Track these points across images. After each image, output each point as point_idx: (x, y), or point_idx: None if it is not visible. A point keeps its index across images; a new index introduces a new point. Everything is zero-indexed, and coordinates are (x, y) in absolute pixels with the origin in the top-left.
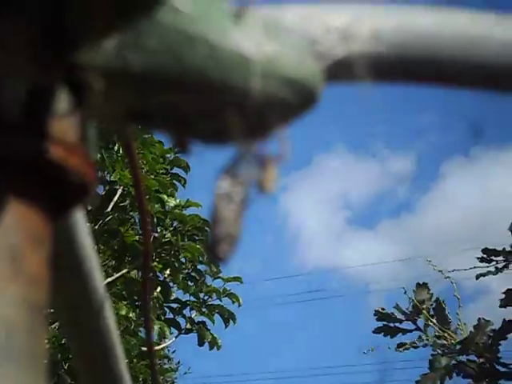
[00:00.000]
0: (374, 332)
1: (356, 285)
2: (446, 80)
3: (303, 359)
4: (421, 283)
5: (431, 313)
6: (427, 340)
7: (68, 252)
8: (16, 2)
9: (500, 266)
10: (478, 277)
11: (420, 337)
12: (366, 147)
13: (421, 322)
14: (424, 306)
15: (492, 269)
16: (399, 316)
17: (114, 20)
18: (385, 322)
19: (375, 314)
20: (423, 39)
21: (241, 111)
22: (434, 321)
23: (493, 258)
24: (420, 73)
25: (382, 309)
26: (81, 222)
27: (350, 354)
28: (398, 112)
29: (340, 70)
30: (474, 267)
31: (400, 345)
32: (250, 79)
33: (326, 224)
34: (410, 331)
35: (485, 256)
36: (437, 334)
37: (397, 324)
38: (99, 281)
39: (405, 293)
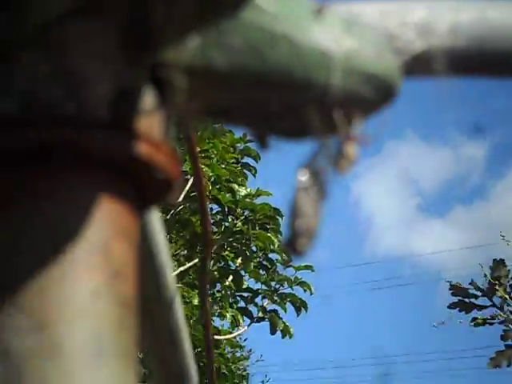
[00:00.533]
0: (448, 307)
1: (428, 272)
2: None
3: (374, 347)
4: (497, 259)
5: (508, 290)
6: (504, 317)
7: (141, 247)
8: (104, 5)
9: None
10: None
11: (496, 314)
12: (438, 134)
13: (497, 299)
14: (501, 282)
15: None
16: (475, 292)
17: (197, 19)
18: (460, 298)
19: (450, 289)
20: (502, 32)
21: (322, 107)
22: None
23: None
24: (500, 66)
25: (459, 284)
26: (155, 218)
27: (420, 343)
28: (471, 97)
29: (419, 65)
30: None
31: (474, 319)
32: (331, 76)
33: (397, 212)
34: (486, 307)
35: None
36: None
37: (472, 300)
38: (170, 278)
39: (482, 268)
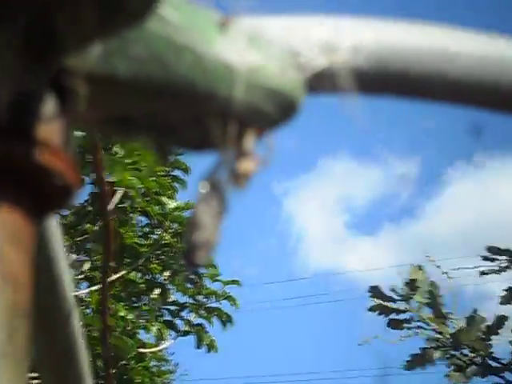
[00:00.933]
0: (369, 310)
1: (356, 289)
2: (423, 94)
3: (302, 362)
4: (416, 265)
5: (425, 297)
6: (421, 321)
7: (39, 255)
8: (1, 11)
9: (503, 265)
10: (481, 274)
11: (412, 318)
12: (369, 153)
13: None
14: (418, 287)
15: (495, 267)
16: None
17: (100, 27)
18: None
19: (370, 291)
20: (402, 53)
21: (223, 120)
22: (427, 302)
23: (497, 257)
24: (398, 86)
25: (378, 287)
26: (54, 225)
27: (350, 355)
28: (402, 117)
29: (322, 82)
30: (479, 266)
31: (393, 321)
32: (233, 89)
33: (328, 229)
34: (404, 311)
35: (488, 255)
36: (428, 318)
37: (391, 304)
38: (69, 287)
39: (400, 274)
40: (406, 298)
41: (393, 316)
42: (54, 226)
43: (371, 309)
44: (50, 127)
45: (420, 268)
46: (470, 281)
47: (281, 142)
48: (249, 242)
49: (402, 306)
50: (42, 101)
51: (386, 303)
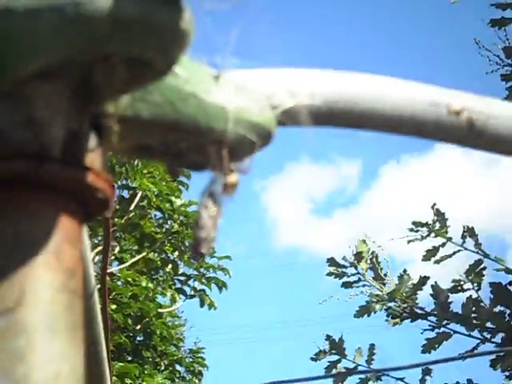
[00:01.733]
0: (326, 275)
1: (318, 259)
2: (363, 126)
3: (277, 314)
4: (361, 239)
5: (368, 262)
6: (366, 282)
7: None
8: (58, 71)
9: (424, 235)
10: (408, 242)
11: (360, 279)
12: (324, 157)
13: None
14: (362, 256)
15: (418, 237)
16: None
17: (130, 82)
18: (334, 268)
19: (327, 261)
20: (346, 96)
21: (219, 147)
22: (369, 267)
23: (419, 229)
24: (344, 120)
25: (334, 258)
26: None
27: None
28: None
29: (288, 117)
30: (407, 236)
31: (345, 283)
32: (226, 124)
33: (295, 215)
34: (353, 275)
35: (413, 227)
36: (370, 279)
37: (343, 270)
38: (91, 272)
39: (349, 247)
40: (354, 265)
41: (345, 279)
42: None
43: (328, 274)
44: (93, 155)
45: (364, 242)
46: (400, 248)
47: (258, 153)
48: (236, 226)
49: (351, 271)
50: (87, 136)
51: (339, 269)
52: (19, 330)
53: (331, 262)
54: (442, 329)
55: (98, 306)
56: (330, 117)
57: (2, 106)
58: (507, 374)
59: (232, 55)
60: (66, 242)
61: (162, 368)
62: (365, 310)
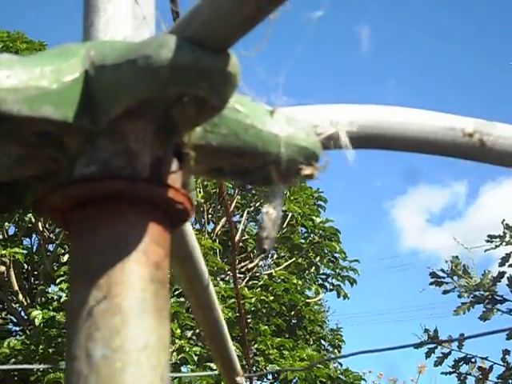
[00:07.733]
0: (429, 284)
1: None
2: (393, 147)
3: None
4: (454, 255)
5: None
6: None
7: (182, 248)
8: (145, 110)
9: (498, 244)
10: (485, 251)
11: (455, 287)
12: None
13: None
14: (457, 268)
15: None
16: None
17: (197, 117)
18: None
19: (429, 274)
20: (379, 124)
21: (277, 167)
22: (461, 273)
23: (494, 240)
24: (378, 143)
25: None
26: (189, 228)
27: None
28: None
29: (331, 142)
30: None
31: (445, 291)
32: (280, 148)
33: (416, 224)
34: (450, 283)
35: (489, 238)
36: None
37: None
38: (204, 267)
39: (446, 262)
40: (451, 276)
41: (444, 287)
42: (189, 229)
43: (431, 283)
44: (175, 176)
45: (457, 257)
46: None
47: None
48: (371, 234)
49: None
50: (170, 161)
51: (439, 279)
52: (116, 310)
53: (432, 274)
54: None
55: (214, 294)
56: (367, 140)
57: (104, 140)
58: None
59: (283, 94)
60: (154, 243)
61: (311, 343)
62: (461, 310)
